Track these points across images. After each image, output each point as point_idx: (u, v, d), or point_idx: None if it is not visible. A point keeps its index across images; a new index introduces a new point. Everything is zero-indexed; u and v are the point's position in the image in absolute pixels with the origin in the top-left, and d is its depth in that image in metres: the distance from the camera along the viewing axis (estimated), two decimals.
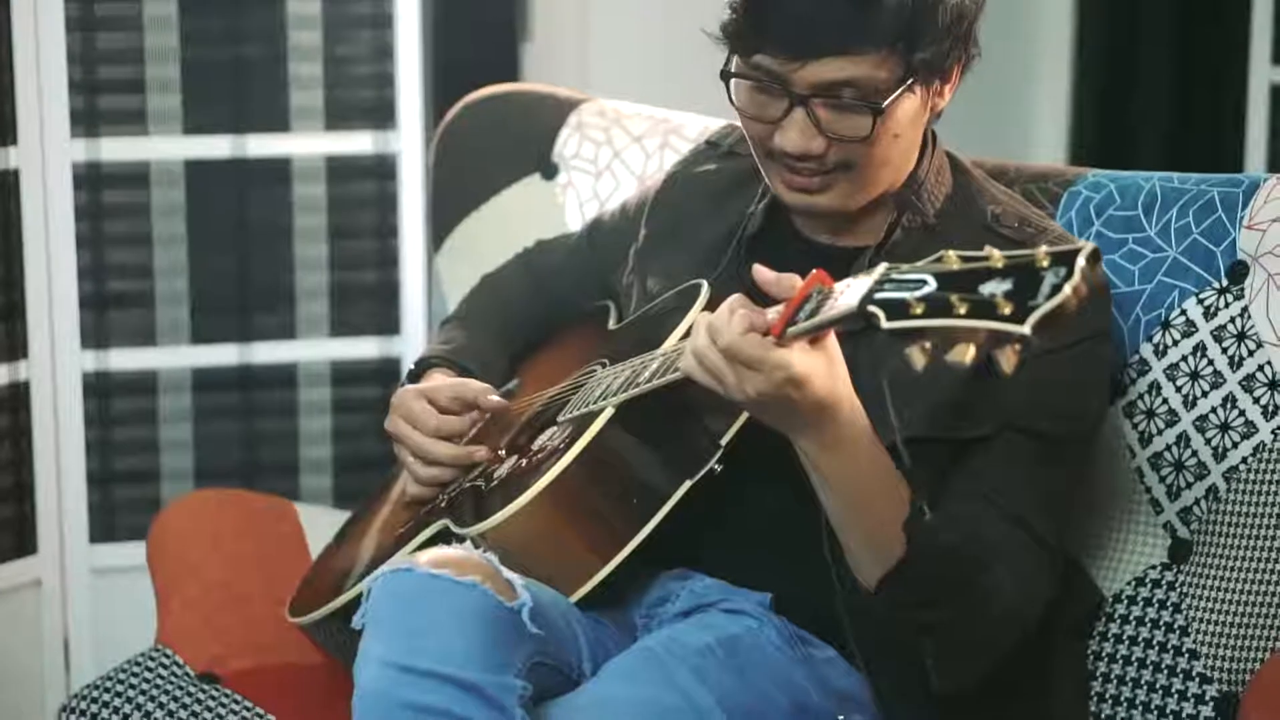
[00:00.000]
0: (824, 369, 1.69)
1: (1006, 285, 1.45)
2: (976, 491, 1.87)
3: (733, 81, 1.91)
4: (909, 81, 1.85)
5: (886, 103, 1.85)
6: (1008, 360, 1.43)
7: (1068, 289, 1.42)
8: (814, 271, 1.65)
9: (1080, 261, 1.43)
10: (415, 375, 2.20)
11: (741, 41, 1.88)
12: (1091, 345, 1.90)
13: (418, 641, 1.74)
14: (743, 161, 2.11)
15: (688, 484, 1.89)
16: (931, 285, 1.49)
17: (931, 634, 1.84)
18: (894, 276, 1.54)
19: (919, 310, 1.48)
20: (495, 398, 2.10)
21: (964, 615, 1.84)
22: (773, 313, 1.68)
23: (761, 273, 1.72)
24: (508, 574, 1.80)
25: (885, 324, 1.50)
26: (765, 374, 1.66)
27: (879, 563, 1.80)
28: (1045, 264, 1.44)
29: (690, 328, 1.90)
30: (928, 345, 1.47)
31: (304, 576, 2.24)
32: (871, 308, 1.52)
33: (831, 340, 1.70)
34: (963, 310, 1.45)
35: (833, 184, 1.92)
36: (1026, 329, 1.41)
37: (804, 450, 1.76)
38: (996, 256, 1.47)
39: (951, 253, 1.51)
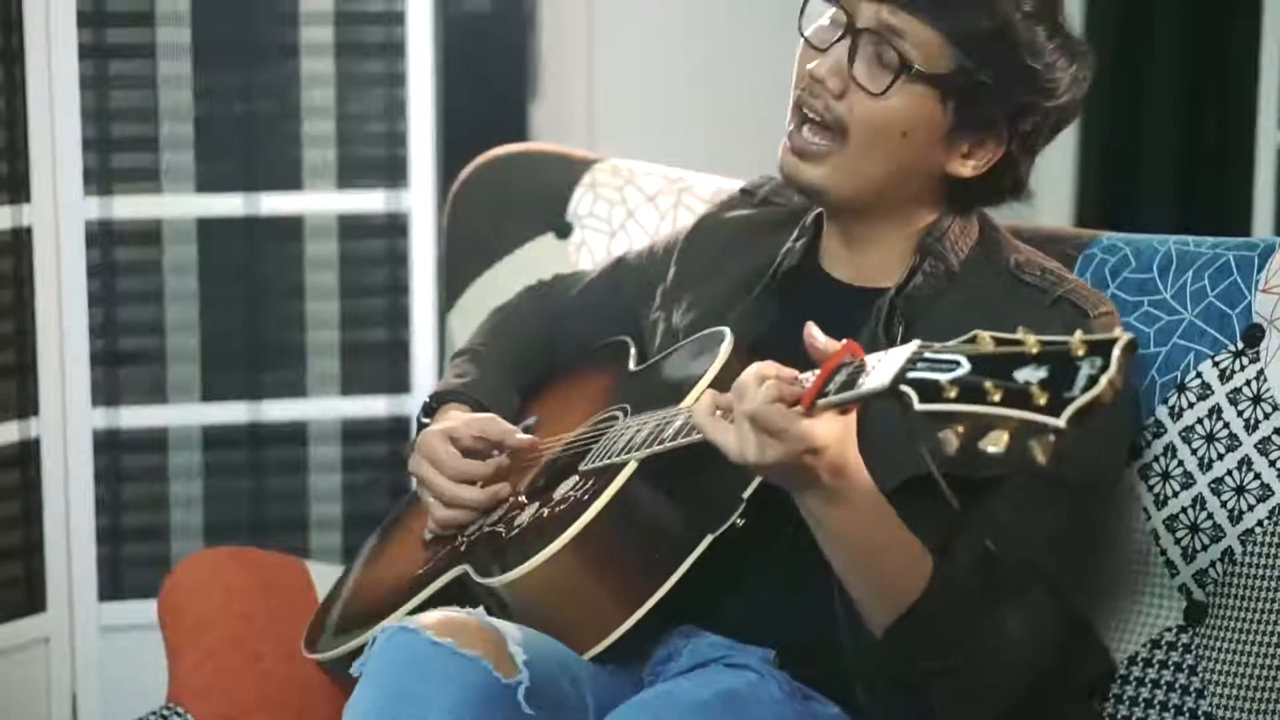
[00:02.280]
0: (840, 435, 1.71)
1: (1041, 373, 1.44)
2: (989, 534, 1.87)
3: (808, 10, 1.96)
4: (944, 80, 1.91)
5: (915, 69, 1.90)
6: (1041, 449, 1.43)
7: (1104, 381, 1.41)
8: (844, 342, 1.65)
9: (1116, 353, 1.43)
10: (430, 409, 2.20)
11: None
12: None
13: (406, 708, 1.76)
14: (778, 209, 2.14)
15: (710, 538, 1.89)
16: (965, 368, 1.49)
17: (940, 679, 1.84)
18: (926, 356, 1.53)
19: (952, 394, 1.47)
20: (522, 436, 2.10)
21: (973, 661, 1.84)
22: (804, 379, 1.69)
23: (813, 332, 1.72)
24: (512, 648, 1.81)
25: (918, 405, 1.49)
26: (787, 444, 1.67)
27: (887, 611, 1.81)
28: (1081, 353, 1.44)
29: (715, 379, 1.92)
30: (960, 429, 1.46)
31: (320, 607, 2.23)
32: (904, 387, 1.52)
33: (851, 413, 1.71)
34: (997, 397, 1.45)
35: (822, 155, 1.95)
36: (1062, 422, 1.41)
37: (809, 508, 1.76)
38: (1031, 341, 1.47)
39: (985, 334, 1.51)
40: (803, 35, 1.97)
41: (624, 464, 1.90)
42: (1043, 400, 1.43)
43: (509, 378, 2.28)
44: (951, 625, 1.82)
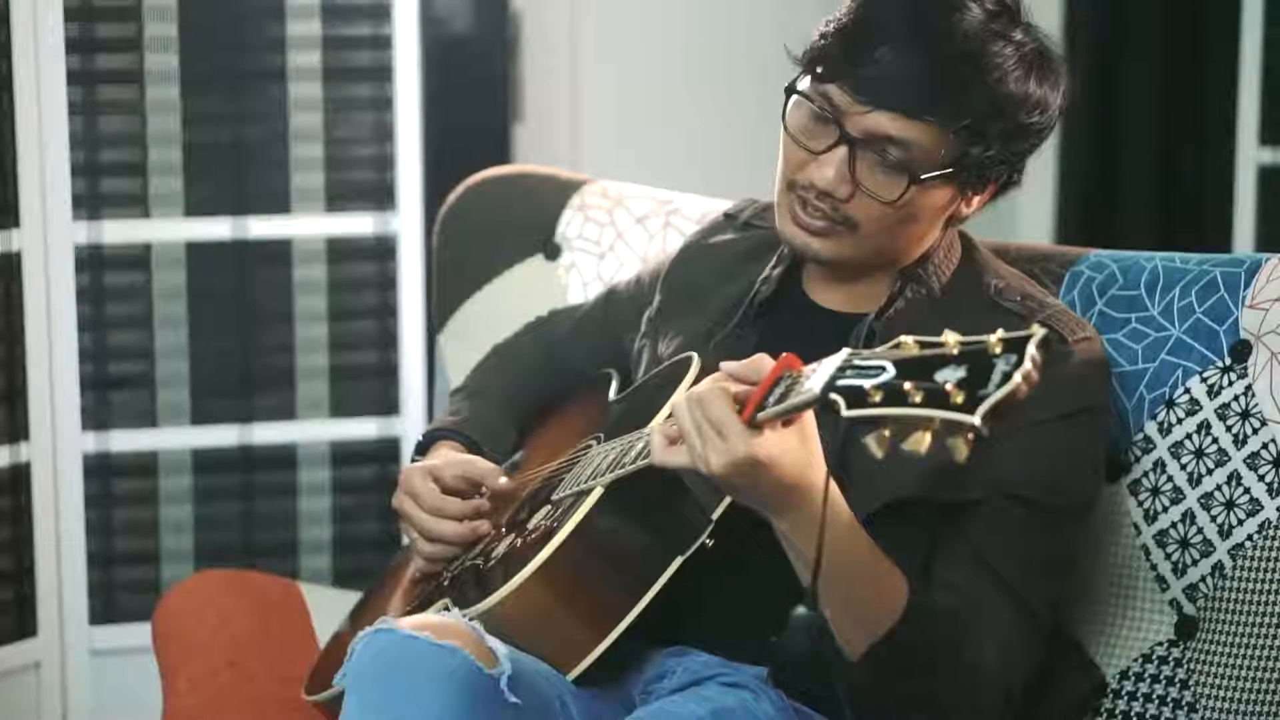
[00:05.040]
0: (795, 451, 1.71)
1: (960, 373, 1.47)
2: (966, 556, 1.88)
3: (792, 100, 1.94)
4: (952, 170, 1.90)
5: (925, 175, 1.89)
6: (960, 449, 1.46)
7: (1017, 377, 1.44)
8: (783, 355, 1.68)
9: (1031, 349, 1.46)
10: (423, 447, 2.21)
11: (822, 68, 1.92)
12: (1088, 419, 1.93)
13: (393, 704, 1.75)
14: (760, 232, 2.14)
15: (679, 559, 1.89)
16: (890, 373, 1.52)
17: (915, 702, 1.85)
18: (855, 363, 1.57)
19: (876, 398, 1.51)
20: (503, 479, 2.11)
21: (948, 685, 1.85)
22: None
23: (728, 365, 1.74)
24: (491, 642, 1.81)
25: (845, 412, 1.53)
26: (731, 445, 1.68)
27: (863, 635, 1.82)
28: (998, 351, 1.47)
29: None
30: (885, 433, 1.50)
31: (318, 657, 2.24)
32: (833, 395, 1.55)
33: (808, 422, 1.72)
34: (917, 399, 1.48)
35: (832, 235, 1.95)
36: (976, 419, 1.44)
37: (781, 531, 1.77)
38: (952, 342, 1.50)
39: (909, 339, 1.54)
40: (785, 129, 1.95)
41: (590, 490, 1.92)
42: (959, 399, 1.46)
43: (503, 413, 2.28)
44: (928, 651, 1.82)
